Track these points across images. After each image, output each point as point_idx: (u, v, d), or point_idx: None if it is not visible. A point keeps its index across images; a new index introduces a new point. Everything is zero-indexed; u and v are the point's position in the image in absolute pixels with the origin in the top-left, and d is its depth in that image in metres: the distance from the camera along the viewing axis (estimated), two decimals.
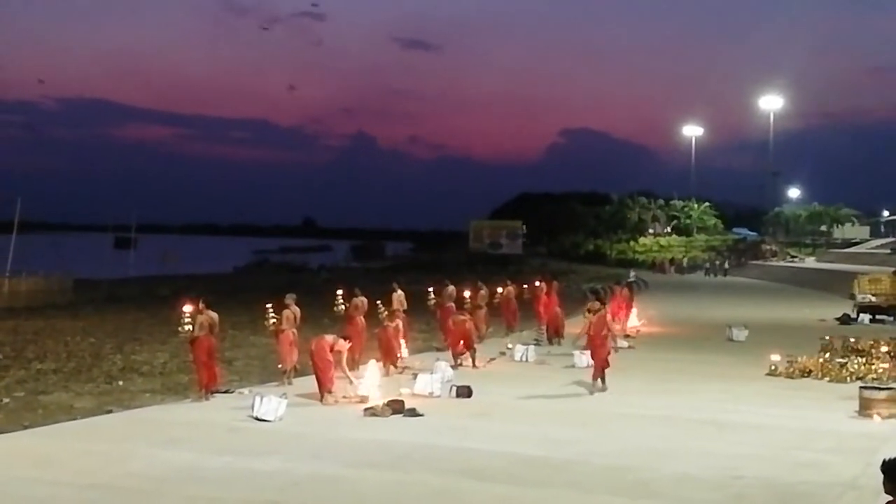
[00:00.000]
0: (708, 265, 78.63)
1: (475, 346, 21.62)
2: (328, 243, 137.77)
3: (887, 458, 7.84)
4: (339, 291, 21.27)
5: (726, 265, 77.06)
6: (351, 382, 16.72)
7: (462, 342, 21.11)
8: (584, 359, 21.20)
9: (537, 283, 30.41)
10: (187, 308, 16.52)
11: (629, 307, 31.08)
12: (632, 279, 46.25)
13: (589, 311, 19.28)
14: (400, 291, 23.00)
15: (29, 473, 11.30)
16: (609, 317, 19.41)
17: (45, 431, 13.99)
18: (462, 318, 21.63)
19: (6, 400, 16.96)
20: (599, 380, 18.05)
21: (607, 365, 18.33)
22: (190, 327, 16.45)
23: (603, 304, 19.75)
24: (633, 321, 30.46)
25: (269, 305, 18.24)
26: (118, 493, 10.48)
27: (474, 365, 20.51)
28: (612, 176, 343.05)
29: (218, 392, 16.71)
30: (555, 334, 26.19)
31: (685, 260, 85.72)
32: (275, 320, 18.11)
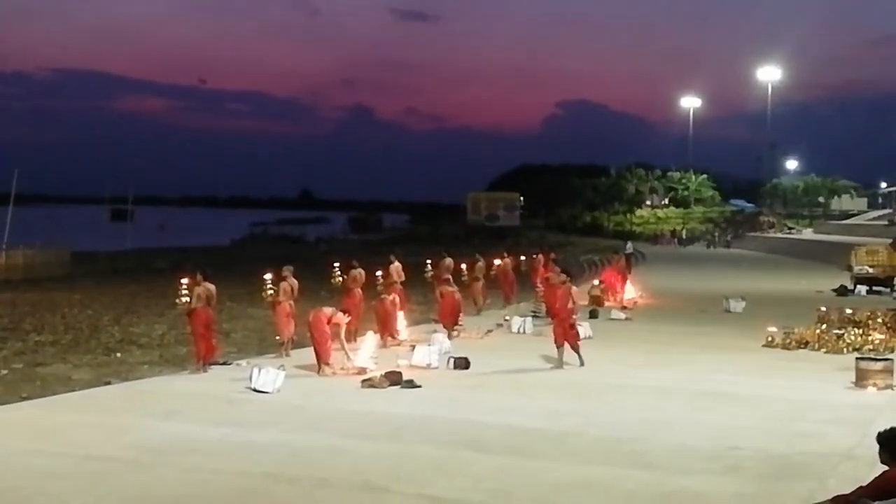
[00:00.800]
0: (709, 237, 78.56)
1: (462, 316, 21.79)
2: (325, 215, 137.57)
3: (883, 429, 7.89)
4: (336, 264, 21.26)
5: (728, 237, 77.04)
6: (348, 358, 16.73)
7: (449, 313, 21.19)
8: (581, 330, 21.25)
9: (535, 256, 30.42)
10: (185, 280, 16.54)
11: (625, 279, 31.12)
12: (629, 251, 46.33)
13: (547, 280, 19.13)
14: (397, 263, 22.97)
15: (28, 445, 11.33)
16: (574, 289, 18.99)
17: (43, 403, 14.03)
18: (450, 289, 21.68)
19: (4, 372, 17.00)
20: (578, 355, 17.62)
21: (578, 337, 18.04)
22: (187, 299, 16.48)
23: (570, 277, 19.53)
24: (630, 293, 30.47)
25: (267, 276, 18.23)
26: (117, 464, 10.51)
27: (449, 336, 20.39)
28: (610, 148, 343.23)
29: (216, 364, 16.74)
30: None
31: (685, 232, 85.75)
32: (272, 291, 18.11)
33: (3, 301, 29.01)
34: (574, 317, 18.27)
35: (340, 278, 21.00)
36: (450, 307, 21.25)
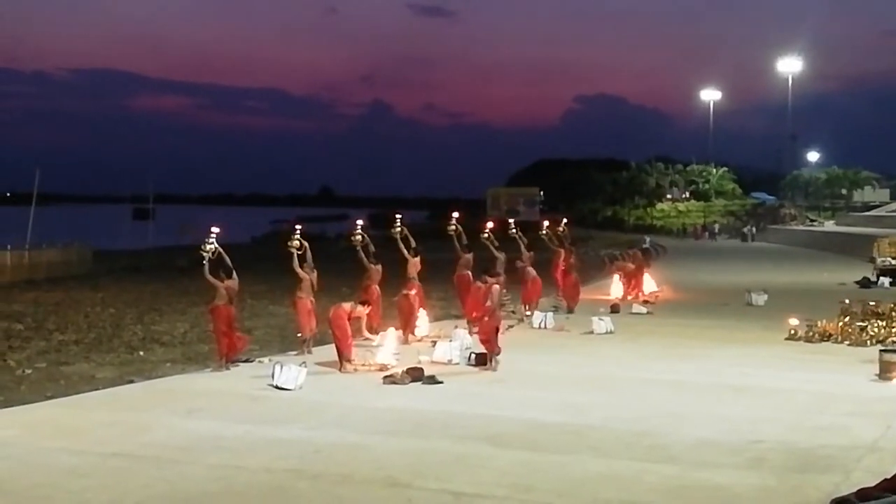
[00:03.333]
0: (745, 230, 77.73)
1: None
2: (345, 212, 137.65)
3: None
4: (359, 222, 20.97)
5: (754, 230, 76.47)
6: (373, 342, 16.78)
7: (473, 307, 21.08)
8: (602, 325, 21.26)
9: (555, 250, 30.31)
10: (215, 229, 16.73)
11: (642, 273, 31.01)
12: (646, 245, 46.26)
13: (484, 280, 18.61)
14: (414, 259, 22.81)
15: (53, 443, 11.41)
16: (498, 289, 18.02)
17: (67, 402, 14.11)
18: (480, 285, 21.58)
19: (28, 371, 17.12)
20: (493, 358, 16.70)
21: (490, 340, 16.89)
22: (213, 247, 16.58)
23: (497, 276, 19.14)
24: (652, 287, 30.38)
25: (298, 227, 18.44)
26: (141, 462, 10.57)
27: (470, 332, 20.24)
28: (629, 141, 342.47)
29: (238, 361, 16.80)
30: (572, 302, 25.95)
31: (717, 226, 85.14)
32: (298, 243, 18.18)
33: (26, 300, 29.21)
34: (489, 318, 17.35)
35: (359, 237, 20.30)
36: (476, 303, 21.08)
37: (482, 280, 18.73)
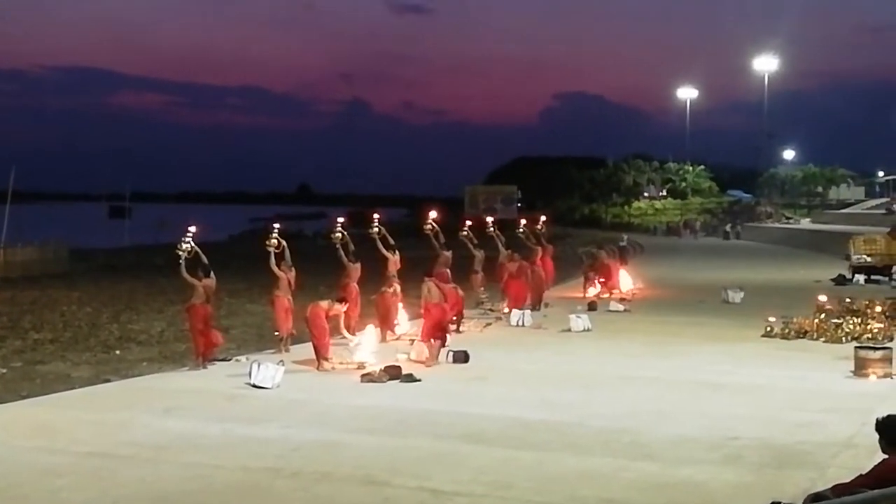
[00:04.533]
0: (727, 228, 77.88)
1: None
2: (323, 210, 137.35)
3: (882, 417, 7.90)
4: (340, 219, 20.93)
5: (739, 228, 76.58)
6: (351, 342, 16.79)
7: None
8: (580, 322, 21.30)
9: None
10: (192, 228, 16.70)
11: (617, 271, 31.07)
12: (623, 244, 46.24)
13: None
14: (394, 257, 22.75)
15: (28, 442, 11.34)
16: (431, 286, 18.12)
17: (43, 401, 14.02)
18: (452, 285, 21.62)
19: (3, 370, 16.99)
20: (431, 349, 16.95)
21: (428, 334, 17.25)
22: (188, 246, 16.55)
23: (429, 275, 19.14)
24: (628, 284, 30.46)
25: (276, 226, 18.47)
26: (118, 461, 10.52)
27: (458, 330, 20.45)
28: (607, 139, 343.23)
29: (215, 360, 16.73)
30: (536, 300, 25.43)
31: (699, 224, 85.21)
32: (276, 242, 18.16)
33: (2, 299, 28.97)
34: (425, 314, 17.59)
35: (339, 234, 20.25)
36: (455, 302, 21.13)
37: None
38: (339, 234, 20.13)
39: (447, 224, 23.83)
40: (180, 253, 16.67)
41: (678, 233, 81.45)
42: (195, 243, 16.83)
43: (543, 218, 30.49)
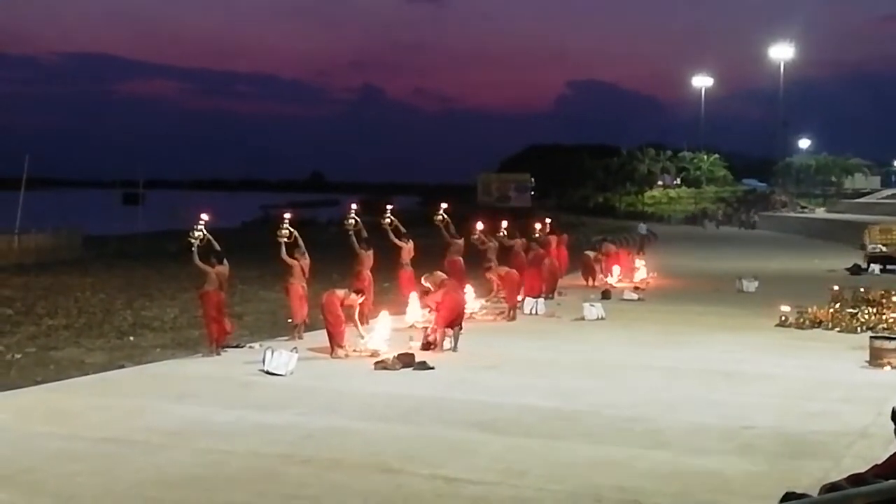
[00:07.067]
0: (744, 217, 77.50)
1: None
2: (336, 197, 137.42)
3: None
4: (354, 208, 20.89)
5: (755, 217, 76.17)
6: (362, 338, 16.80)
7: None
8: (594, 311, 21.26)
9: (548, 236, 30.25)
10: (204, 216, 16.88)
11: (632, 260, 30.97)
12: (643, 232, 46.21)
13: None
14: (408, 245, 22.71)
15: (43, 428, 11.38)
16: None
17: (57, 387, 14.06)
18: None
19: (18, 356, 17.04)
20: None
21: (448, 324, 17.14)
22: (200, 234, 16.68)
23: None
24: (643, 273, 30.41)
25: (287, 215, 18.48)
26: (132, 447, 10.55)
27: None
28: (621, 128, 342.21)
29: (229, 347, 16.76)
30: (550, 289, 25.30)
31: (720, 213, 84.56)
32: (287, 232, 18.19)
33: (16, 285, 29.07)
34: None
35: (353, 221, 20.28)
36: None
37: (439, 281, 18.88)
38: (352, 221, 20.15)
39: (459, 213, 23.79)
40: (192, 241, 16.69)
41: (698, 222, 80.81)
42: (207, 231, 16.86)
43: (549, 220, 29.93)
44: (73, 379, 14.70)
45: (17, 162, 46.87)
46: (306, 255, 18.45)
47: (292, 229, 18.39)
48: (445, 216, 23.29)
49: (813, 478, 9.24)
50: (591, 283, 28.36)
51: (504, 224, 26.21)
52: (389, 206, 21.51)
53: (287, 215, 18.71)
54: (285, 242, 18.29)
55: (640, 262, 31.61)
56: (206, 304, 16.61)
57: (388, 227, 21.20)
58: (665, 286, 29.46)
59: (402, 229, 21.38)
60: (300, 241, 18.43)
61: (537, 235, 27.52)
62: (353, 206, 20.98)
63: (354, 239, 19.92)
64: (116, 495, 9.06)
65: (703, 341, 18.40)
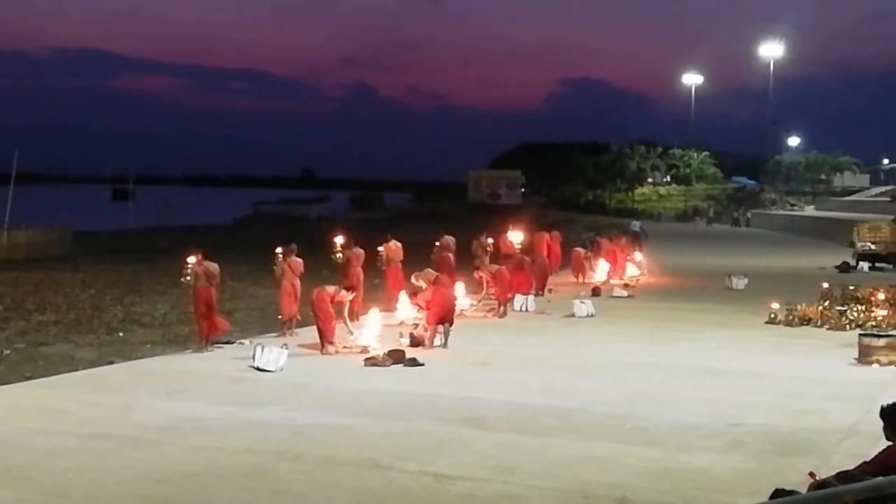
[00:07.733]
0: (736, 214, 77.49)
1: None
2: (327, 194, 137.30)
3: (886, 405, 7.88)
4: (338, 239, 20.95)
5: (748, 214, 76.17)
6: (351, 334, 16.81)
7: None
8: (584, 308, 21.28)
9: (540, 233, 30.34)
10: (191, 259, 16.58)
11: (623, 256, 31.05)
12: (636, 229, 46.14)
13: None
14: (395, 242, 22.63)
15: (31, 424, 11.35)
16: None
17: (46, 382, 14.03)
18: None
19: (7, 351, 17.00)
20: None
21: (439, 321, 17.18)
22: (189, 277, 16.54)
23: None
24: (633, 270, 30.46)
25: (278, 250, 18.33)
26: (121, 443, 10.54)
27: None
28: (612, 125, 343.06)
29: (219, 343, 16.74)
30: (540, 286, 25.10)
31: (712, 210, 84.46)
32: (281, 267, 18.17)
33: (5, 281, 28.97)
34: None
35: (340, 255, 20.69)
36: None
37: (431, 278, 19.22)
38: (339, 256, 20.68)
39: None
40: (185, 280, 16.75)
41: (689, 219, 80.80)
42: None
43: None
44: (62, 375, 14.67)
45: (5, 157, 46.73)
46: (294, 249, 18.51)
47: (280, 257, 18.32)
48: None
49: (801, 475, 9.21)
50: (581, 279, 28.39)
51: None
52: (338, 240, 20.85)
53: (339, 239, 19.64)
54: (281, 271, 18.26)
55: (638, 256, 31.80)
56: (197, 300, 16.59)
57: (340, 262, 20.94)
58: (655, 283, 29.51)
59: (359, 251, 21.05)
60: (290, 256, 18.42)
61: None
62: (338, 239, 20.72)
63: (347, 263, 20.29)
64: (107, 491, 9.05)
65: (693, 338, 18.44)
